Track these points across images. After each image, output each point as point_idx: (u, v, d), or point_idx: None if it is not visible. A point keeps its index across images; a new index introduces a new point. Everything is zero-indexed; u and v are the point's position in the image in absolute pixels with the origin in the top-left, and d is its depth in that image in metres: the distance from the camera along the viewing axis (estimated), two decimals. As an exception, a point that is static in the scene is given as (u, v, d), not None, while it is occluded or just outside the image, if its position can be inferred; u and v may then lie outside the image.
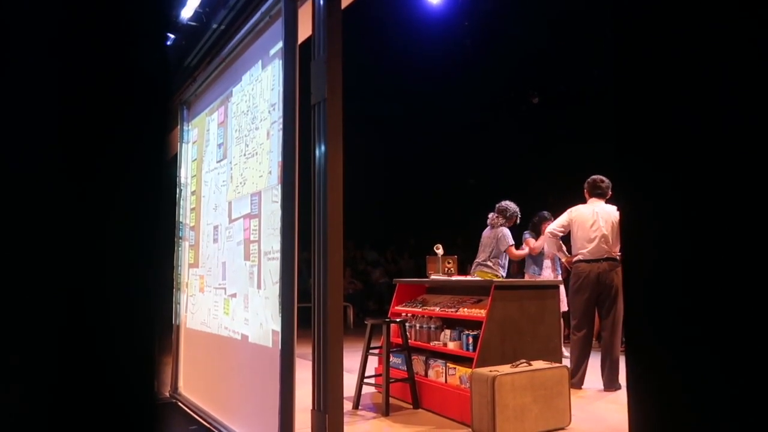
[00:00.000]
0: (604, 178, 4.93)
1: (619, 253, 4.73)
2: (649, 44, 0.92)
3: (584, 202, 5.00)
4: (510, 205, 5.58)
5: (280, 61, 3.05)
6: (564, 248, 5.18)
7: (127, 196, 0.68)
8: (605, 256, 4.70)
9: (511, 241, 5.46)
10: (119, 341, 0.66)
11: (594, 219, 4.79)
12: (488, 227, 5.63)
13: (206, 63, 4.22)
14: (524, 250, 5.91)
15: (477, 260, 5.61)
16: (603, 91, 7.88)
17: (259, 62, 3.43)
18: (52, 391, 0.62)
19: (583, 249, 4.80)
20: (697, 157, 0.83)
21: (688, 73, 0.85)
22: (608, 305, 4.67)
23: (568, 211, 5.06)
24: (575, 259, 4.88)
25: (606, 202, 4.89)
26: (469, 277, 5.01)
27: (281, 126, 2.97)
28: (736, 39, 0.80)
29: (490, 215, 5.59)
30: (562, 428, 3.50)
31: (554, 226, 5.11)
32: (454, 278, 4.70)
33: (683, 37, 0.86)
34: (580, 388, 4.64)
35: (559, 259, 5.93)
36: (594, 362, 4.77)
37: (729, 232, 0.79)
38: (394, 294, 4.97)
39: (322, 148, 2.70)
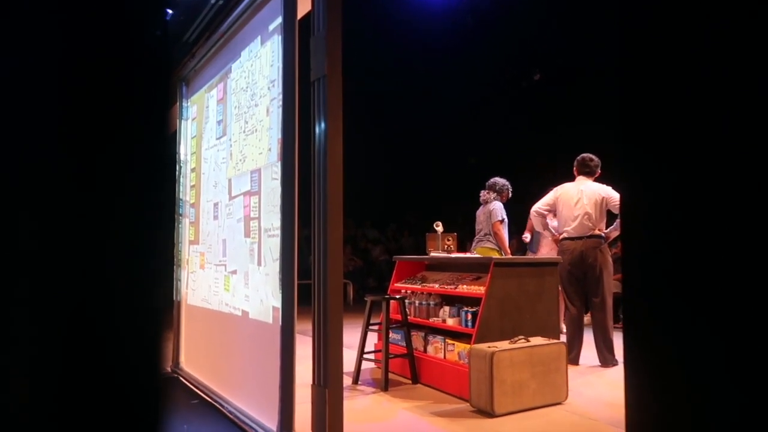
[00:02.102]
0: (593, 157, 4.94)
1: (605, 231, 4.76)
2: (657, 31, 0.91)
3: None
4: (499, 179, 5.54)
5: (280, 37, 3.02)
6: (550, 226, 5.20)
7: (129, 174, 0.68)
8: (589, 233, 4.73)
9: (500, 216, 5.30)
10: (122, 317, 0.67)
11: (579, 197, 4.81)
12: (481, 205, 5.59)
13: (205, 38, 4.18)
14: (505, 234, 5.58)
15: (476, 237, 5.59)
16: (605, 68, 7.82)
17: (258, 38, 3.39)
18: (56, 366, 0.62)
19: (568, 226, 4.83)
20: (696, 140, 0.83)
21: (693, 59, 0.84)
22: (594, 283, 4.71)
23: (555, 189, 5.08)
24: (561, 236, 4.91)
25: (594, 181, 4.90)
26: (468, 255, 5.02)
27: (281, 103, 2.95)
28: (740, 31, 0.79)
29: (482, 192, 5.55)
30: (559, 403, 3.55)
31: (539, 204, 5.14)
32: (453, 255, 4.72)
33: (691, 25, 0.85)
34: (577, 364, 4.69)
35: None
36: (590, 338, 4.82)
37: (725, 213, 0.79)
38: (394, 271, 4.99)
39: (322, 125, 2.69)
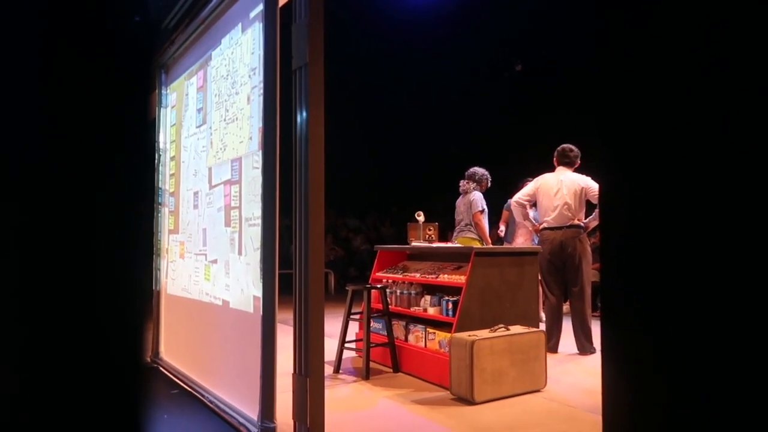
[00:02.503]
0: (573, 147, 4.99)
1: (584, 221, 4.82)
2: (635, 22, 0.92)
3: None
4: (478, 169, 5.55)
5: (261, 24, 2.99)
6: (530, 216, 5.25)
7: (108, 162, 0.67)
8: (568, 223, 4.78)
9: (480, 207, 5.32)
10: (103, 307, 0.66)
11: (558, 187, 4.87)
12: (461, 195, 5.60)
13: (185, 25, 4.11)
14: (485, 223, 5.57)
15: (457, 227, 5.61)
16: (587, 59, 7.87)
17: (239, 25, 3.35)
18: (36, 357, 0.62)
19: (548, 216, 4.89)
20: (674, 132, 0.84)
21: (673, 51, 0.85)
22: (573, 272, 4.78)
23: (535, 179, 5.13)
24: (541, 226, 4.97)
25: (574, 171, 4.95)
26: (449, 244, 5.05)
27: (262, 91, 2.92)
28: (716, 23, 0.80)
29: (461, 182, 5.56)
30: (538, 390, 3.60)
31: (520, 195, 5.18)
32: (434, 245, 4.74)
33: (670, 17, 0.86)
34: (556, 352, 4.76)
35: None
36: (569, 326, 4.89)
37: (701, 204, 0.80)
38: (375, 260, 5.00)
39: (304, 113, 2.67)
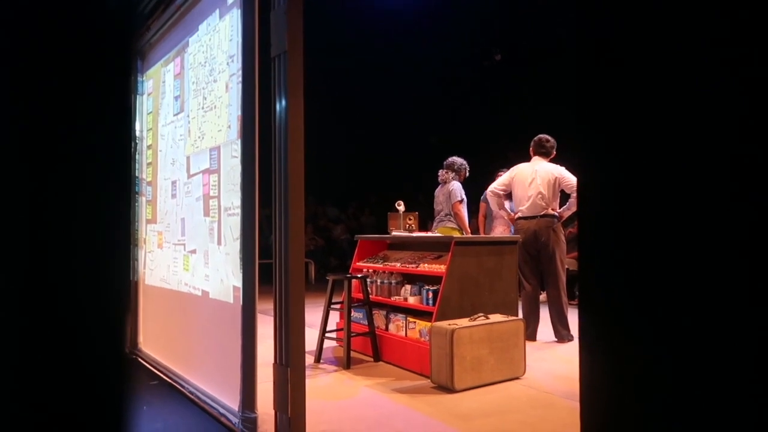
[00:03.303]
0: (549, 138, 5.05)
1: (558, 210, 4.88)
2: (614, 14, 0.92)
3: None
4: (457, 159, 5.57)
5: (239, 11, 2.95)
6: (506, 206, 5.29)
7: (85, 151, 0.66)
8: (542, 213, 4.84)
9: (459, 197, 5.32)
10: (81, 299, 0.65)
11: (533, 177, 4.92)
12: (440, 185, 5.62)
13: (161, 11, 4.04)
14: (465, 213, 5.53)
15: (437, 217, 5.63)
16: (565, 50, 7.91)
17: (217, 11, 3.30)
18: (14, 349, 0.61)
19: (522, 206, 4.95)
20: (650, 123, 0.85)
21: (651, 42, 0.86)
22: (547, 261, 4.84)
23: (510, 169, 5.18)
24: (516, 216, 5.02)
25: (550, 162, 5.01)
26: (429, 234, 5.06)
27: (240, 79, 2.89)
28: (695, 16, 0.81)
29: (440, 172, 5.57)
30: (517, 378, 3.65)
31: (495, 184, 5.23)
32: (414, 234, 4.76)
33: (649, 9, 0.87)
34: (534, 340, 4.82)
35: None
36: (546, 315, 4.95)
37: (677, 194, 0.81)
38: (356, 250, 5.01)
39: (283, 102, 2.64)
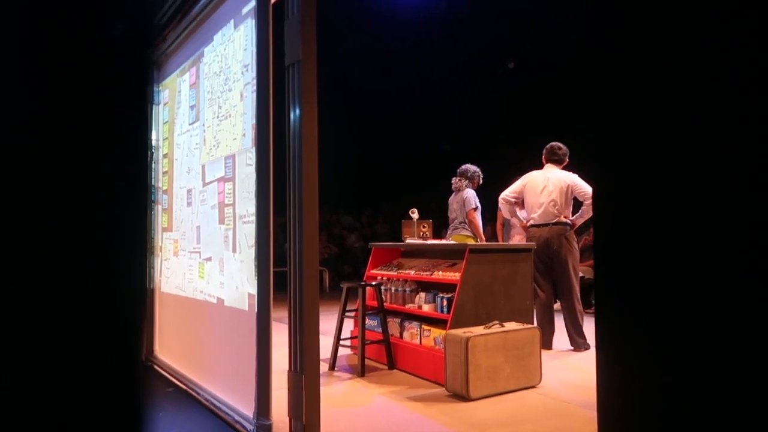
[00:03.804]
0: (561, 145, 5.03)
1: (571, 218, 4.84)
2: (629, 20, 0.92)
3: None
4: (470, 166, 5.56)
5: (253, 21, 2.97)
6: (518, 213, 5.28)
7: (103, 160, 0.67)
8: (554, 220, 4.81)
9: (474, 204, 5.33)
10: (99, 307, 0.66)
11: (545, 184, 4.89)
12: (453, 193, 5.61)
13: (177, 21, 4.09)
14: (479, 221, 5.57)
15: (451, 225, 5.62)
16: (579, 57, 7.89)
17: (231, 21, 3.34)
18: (30, 357, 0.61)
19: (534, 214, 4.92)
20: (667, 130, 0.84)
21: (667, 48, 0.86)
22: (560, 269, 4.80)
23: (523, 177, 5.16)
24: (528, 223, 5.00)
25: (563, 169, 4.98)
26: (444, 241, 5.05)
27: (255, 87, 2.91)
28: (710, 22, 0.80)
29: (453, 180, 5.56)
30: (533, 387, 3.61)
31: (507, 192, 5.21)
32: (429, 242, 4.74)
33: (663, 14, 0.86)
34: (550, 348, 4.77)
35: None
36: (561, 323, 4.91)
37: (694, 200, 0.80)
38: (370, 258, 5.00)
39: (297, 110, 2.66)
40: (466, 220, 5.39)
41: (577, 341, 4.74)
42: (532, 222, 4.95)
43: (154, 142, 4.73)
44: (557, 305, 5.18)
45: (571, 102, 5.93)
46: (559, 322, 4.94)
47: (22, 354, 0.61)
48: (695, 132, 0.81)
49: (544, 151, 5.09)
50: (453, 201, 5.57)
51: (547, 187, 4.87)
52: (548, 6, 8.54)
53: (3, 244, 0.60)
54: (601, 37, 0.96)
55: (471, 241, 5.18)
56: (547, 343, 4.78)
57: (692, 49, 0.82)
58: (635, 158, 0.89)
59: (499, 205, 5.33)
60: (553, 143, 5.07)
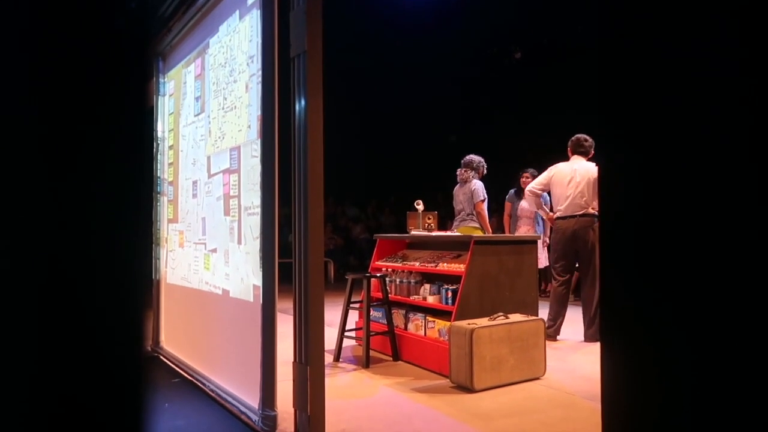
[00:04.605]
0: (588, 137, 5.00)
1: (598, 210, 4.82)
2: (634, 14, 0.91)
3: (566, 159, 5.07)
4: (474, 157, 5.52)
5: (259, 11, 2.96)
6: (544, 206, 5.26)
7: (108, 151, 0.67)
8: (581, 212, 4.80)
9: (482, 196, 5.32)
10: (103, 297, 0.66)
11: (572, 176, 4.88)
12: (458, 184, 5.58)
13: (182, 12, 4.08)
14: (485, 212, 5.52)
15: (458, 217, 5.58)
16: (586, 47, 7.83)
17: (237, 12, 3.33)
18: (36, 346, 0.62)
19: (561, 205, 4.90)
20: (673, 127, 0.84)
21: (671, 42, 0.85)
22: (586, 260, 4.80)
23: (549, 169, 5.14)
24: (555, 215, 4.98)
25: (588, 161, 4.97)
26: (449, 233, 5.05)
27: (260, 79, 2.91)
28: (716, 18, 0.79)
29: (459, 171, 5.53)
30: (537, 378, 3.62)
31: (534, 184, 5.19)
32: (434, 234, 4.74)
33: (668, 9, 0.85)
34: (556, 339, 4.78)
35: (542, 218, 5.98)
36: (571, 315, 4.91)
37: (699, 194, 0.80)
38: (375, 249, 5.01)
39: (302, 102, 2.66)
40: (474, 212, 5.37)
41: (593, 333, 4.73)
42: (558, 214, 4.95)
43: (159, 134, 4.74)
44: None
45: (578, 93, 5.90)
46: (571, 313, 4.93)
47: (27, 344, 0.62)
48: (704, 124, 0.80)
49: (569, 144, 5.09)
50: (459, 192, 5.55)
51: (575, 179, 4.87)
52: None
53: (9, 235, 0.61)
54: (607, 26, 0.95)
55: (478, 233, 5.17)
56: (555, 333, 4.79)
57: (702, 39, 0.81)
58: (641, 150, 0.89)
59: (525, 197, 5.32)
60: (579, 135, 5.06)
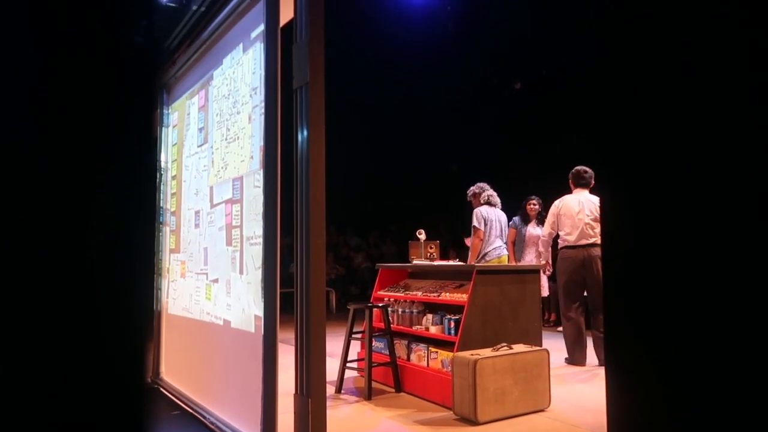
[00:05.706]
0: (587, 169, 5.10)
1: None
2: (632, 38, 0.92)
3: (567, 189, 5.17)
4: (475, 185, 5.45)
5: (262, 44, 3.01)
6: (549, 252, 5.32)
7: (111, 182, 0.68)
8: (591, 241, 4.85)
9: (473, 224, 5.12)
10: (105, 328, 0.66)
11: (580, 207, 4.99)
12: (490, 206, 5.37)
13: (186, 45, 4.15)
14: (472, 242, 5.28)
15: (493, 245, 5.31)
16: (585, 77, 7.92)
17: (240, 45, 3.38)
18: (36, 377, 0.61)
19: (569, 236, 4.95)
20: (671, 152, 0.84)
21: (668, 69, 0.86)
22: (597, 290, 4.82)
23: (554, 205, 5.23)
24: (562, 245, 5.04)
25: (590, 192, 5.06)
26: (451, 262, 5.03)
27: (263, 110, 2.94)
28: (713, 45, 0.80)
29: (490, 195, 5.30)
30: (542, 410, 3.56)
31: (546, 230, 5.30)
32: (436, 263, 4.73)
33: (666, 32, 0.87)
34: (584, 364, 4.86)
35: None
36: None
37: (701, 221, 0.80)
38: (377, 279, 4.99)
39: (305, 132, 2.68)
40: (505, 240, 5.26)
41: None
42: (566, 243, 4.99)
43: (163, 164, 4.77)
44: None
45: (577, 122, 5.94)
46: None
47: (28, 376, 0.61)
48: (707, 154, 0.81)
49: (570, 176, 5.20)
50: (494, 218, 5.23)
51: (583, 210, 4.99)
52: (554, 24, 8.62)
53: (10, 266, 0.61)
54: (606, 56, 0.96)
55: (504, 261, 5.16)
56: (581, 359, 4.87)
57: (697, 68, 0.82)
58: (643, 181, 0.89)
59: (540, 242, 5.44)
60: (578, 168, 5.15)
